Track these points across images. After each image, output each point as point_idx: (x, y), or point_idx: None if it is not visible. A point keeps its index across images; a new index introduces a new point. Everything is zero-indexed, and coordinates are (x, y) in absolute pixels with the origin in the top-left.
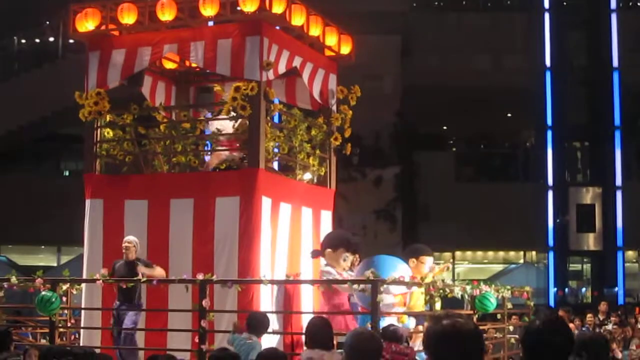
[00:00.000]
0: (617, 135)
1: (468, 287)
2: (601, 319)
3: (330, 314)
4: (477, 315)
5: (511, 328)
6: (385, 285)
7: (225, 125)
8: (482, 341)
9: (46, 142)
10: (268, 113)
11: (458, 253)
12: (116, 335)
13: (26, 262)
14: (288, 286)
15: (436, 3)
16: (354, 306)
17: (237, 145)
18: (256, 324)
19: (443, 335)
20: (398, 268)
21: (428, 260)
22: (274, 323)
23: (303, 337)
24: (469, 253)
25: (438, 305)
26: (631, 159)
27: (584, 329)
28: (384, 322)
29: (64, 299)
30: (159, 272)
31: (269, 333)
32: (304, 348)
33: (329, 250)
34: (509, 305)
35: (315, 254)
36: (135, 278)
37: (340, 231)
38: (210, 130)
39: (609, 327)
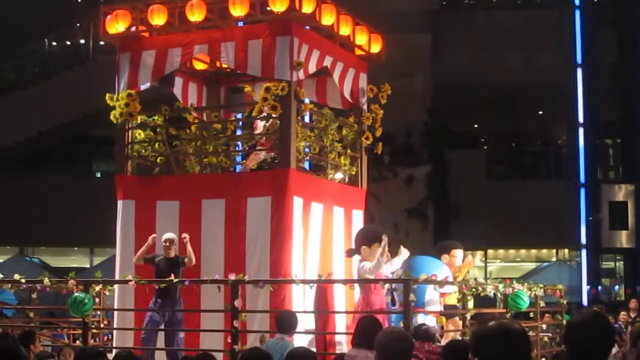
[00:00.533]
0: None
1: (501, 286)
2: (632, 316)
3: (362, 313)
4: (509, 314)
5: (544, 326)
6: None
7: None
8: (530, 341)
9: (77, 143)
10: (299, 113)
11: (490, 251)
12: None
13: (58, 264)
14: (320, 286)
15: (466, 1)
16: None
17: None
18: (284, 323)
19: (491, 336)
20: (438, 269)
21: (459, 253)
22: (308, 323)
23: (336, 336)
24: (501, 251)
25: (470, 304)
26: None
27: (616, 326)
28: (422, 320)
29: (97, 300)
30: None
31: (301, 332)
32: (342, 347)
33: (364, 247)
34: (542, 304)
35: (351, 253)
36: (169, 279)
37: (371, 226)
38: (257, 130)
39: None
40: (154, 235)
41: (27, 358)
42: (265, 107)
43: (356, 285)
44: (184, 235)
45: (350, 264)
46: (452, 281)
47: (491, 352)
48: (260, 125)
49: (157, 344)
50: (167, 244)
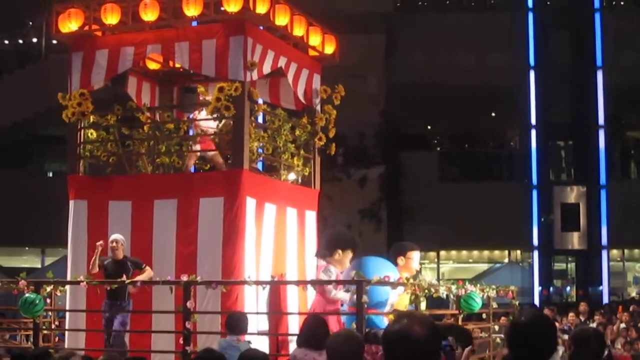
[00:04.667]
0: (601, 134)
1: (453, 287)
2: (582, 319)
3: (320, 314)
4: (462, 315)
5: (496, 327)
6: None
7: (209, 125)
8: (432, 348)
9: (29, 143)
10: (252, 113)
11: (443, 252)
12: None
13: (10, 264)
14: (274, 287)
15: (420, 3)
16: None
17: (213, 144)
18: (234, 323)
19: (396, 336)
20: (386, 269)
21: (415, 255)
22: (261, 324)
23: (289, 337)
24: (453, 252)
25: (423, 305)
26: (615, 158)
27: (566, 328)
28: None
29: (48, 300)
30: (148, 273)
31: (253, 334)
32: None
33: (339, 250)
34: (494, 305)
35: (322, 255)
36: (121, 280)
37: (346, 231)
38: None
39: (592, 326)
40: (100, 242)
41: None
42: (218, 108)
43: (309, 286)
44: (99, 242)
45: (304, 265)
46: (404, 282)
47: (394, 352)
48: (202, 123)
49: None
50: (114, 244)
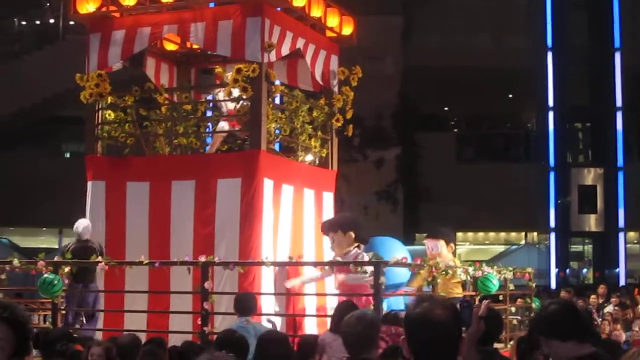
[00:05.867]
0: (619, 116)
1: (470, 269)
2: (600, 301)
3: (331, 295)
4: (478, 297)
5: (513, 309)
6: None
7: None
8: (454, 331)
9: (47, 124)
10: (269, 95)
11: (459, 234)
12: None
13: (28, 245)
14: (290, 268)
15: None
16: None
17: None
18: (242, 305)
19: (418, 320)
20: (397, 250)
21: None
22: (276, 305)
23: (305, 319)
24: (470, 234)
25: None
26: (632, 140)
27: (588, 308)
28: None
29: (66, 281)
30: None
31: (267, 315)
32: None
33: (339, 231)
34: (511, 287)
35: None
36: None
37: (350, 215)
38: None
39: (609, 308)
40: None
41: None
42: (236, 89)
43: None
44: None
45: (321, 246)
46: (421, 264)
47: (415, 336)
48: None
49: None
50: (81, 230)
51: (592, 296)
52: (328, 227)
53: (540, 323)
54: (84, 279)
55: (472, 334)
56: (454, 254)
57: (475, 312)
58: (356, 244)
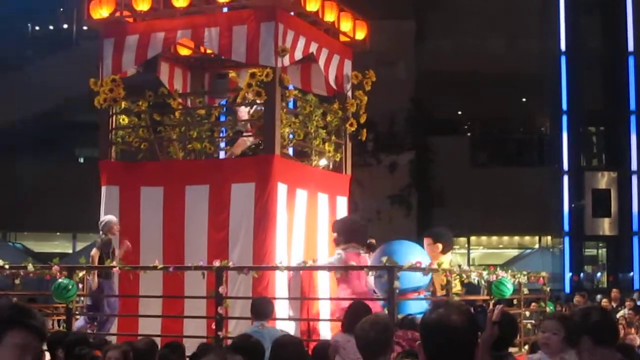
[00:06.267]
0: (633, 119)
1: (484, 273)
2: (614, 305)
3: (344, 299)
4: (493, 301)
5: (527, 313)
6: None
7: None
8: (470, 337)
9: (62, 129)
10: (283, 99)
11: (473, 238)
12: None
13: (42, 249)
14: (304, 272)
15: None
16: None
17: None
18: (258, 309)
19: (434, 325)
20: (416, 253)
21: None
22: (290, 309)
23: (320, 323)
24: (484, 238)
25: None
26: None
27: None
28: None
29: (80, 286)
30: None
31: (282, 319)
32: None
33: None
34: (525, 291)
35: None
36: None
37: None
38: (240, 116)
39: (623, 312)
40: (128, 243)
41: None
42: (249, 94)
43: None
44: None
45: (335, 251)
46: (435, 268)
47: (431, 341)
48: (243, 110)
49: None
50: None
51: (604, 301)
52: (333, 227)
53: (596, 330)
54: (107, 275)
55: (486, 339)
56: (468, 259)
57: (490, 317)
58: (344, 247)
